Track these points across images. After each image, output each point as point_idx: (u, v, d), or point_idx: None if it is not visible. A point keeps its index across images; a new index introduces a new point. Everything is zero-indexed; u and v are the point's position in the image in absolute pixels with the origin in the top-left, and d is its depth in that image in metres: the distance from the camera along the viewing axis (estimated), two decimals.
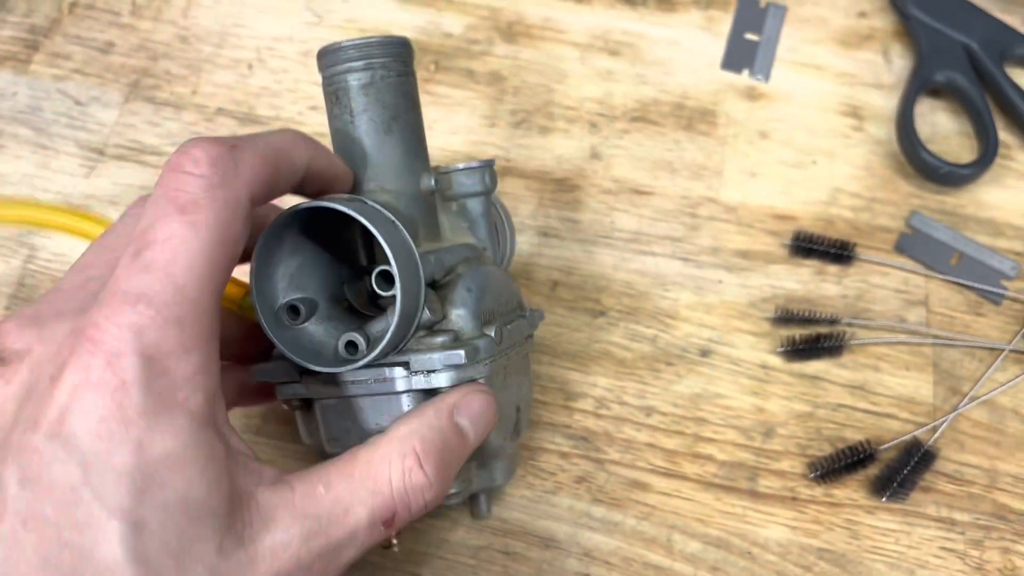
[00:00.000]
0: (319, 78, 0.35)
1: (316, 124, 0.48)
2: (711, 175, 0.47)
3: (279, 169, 0.28)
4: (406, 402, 0.31)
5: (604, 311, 0.44)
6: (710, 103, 0.49)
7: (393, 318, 0.29)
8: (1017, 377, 0.43)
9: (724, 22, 0.52)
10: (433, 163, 0.36)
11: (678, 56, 0.51)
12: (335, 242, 0.33)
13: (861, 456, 0.40)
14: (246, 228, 0.27)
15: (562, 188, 0.47)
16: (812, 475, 0.40)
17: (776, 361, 0.43)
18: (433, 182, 0.34)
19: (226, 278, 0.27)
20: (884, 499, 0.40)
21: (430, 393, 0.31)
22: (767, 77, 0.50)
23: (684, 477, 0.41)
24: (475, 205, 0.37)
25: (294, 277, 0.31)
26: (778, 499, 0.40)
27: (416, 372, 0.31)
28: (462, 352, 0.30)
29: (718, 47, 0.51)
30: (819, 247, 0.45)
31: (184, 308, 0.25)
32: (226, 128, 0.48)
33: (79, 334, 0.24)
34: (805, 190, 0.47)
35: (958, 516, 0.40)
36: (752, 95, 0.50)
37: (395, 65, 0.34)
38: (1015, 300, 0.45)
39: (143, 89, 0.49)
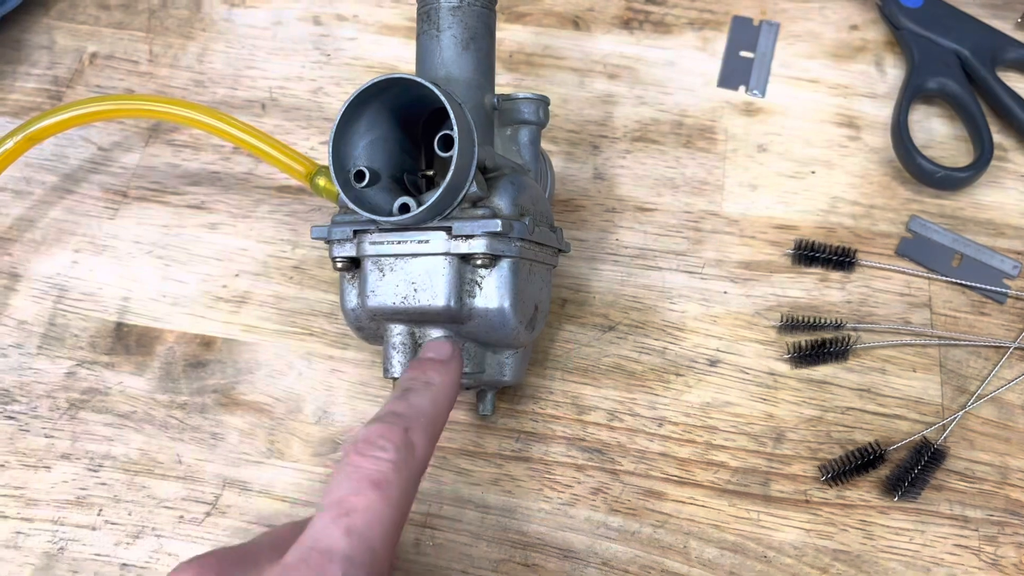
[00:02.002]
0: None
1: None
2: (712, 189, 0.49)
3: (440, 432, 0.33)
4: (443, 263, 0.35)
5: (613, 326, 0.45)
6: (708, 120, 0.51)
7: (446, 177, 0.33)
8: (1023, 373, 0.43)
9: (719, 41, 0.54)
10: None
11: (675, 76, 0.52)
12: (404, 133, 0.38)
13: (871, 457, 0.41)
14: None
15: (568, 208, 0.48)
16: (824, 478, 0.41)
17: (783, 368, 0.44)
18: (496, 101, 0.40)
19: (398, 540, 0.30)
20: (896, 499, 0.41)
21: (466, 258, 0.36)
22: (763, 92, 0.52)
23: (698, 484, 0.41)
24: (526, 133, 0.42)
25: (366, 148, 0.36)
26: (791, 502, 0.41)
27: (456, 236, 0.35)
28: (499, 222, 0.35)
29: (714, 66, 0.53)
30: (821, 255, 0.46)
31: (375, 570, 0.28)
32: (242, 166, 0.50)
33: None
34: (805, 200, 0.48)
35: (971, 513, 0.40)
36: (749, 110, 0.51)
37: None
38: (1018, 298, 0.45)
39: (162, 133, 0.52)
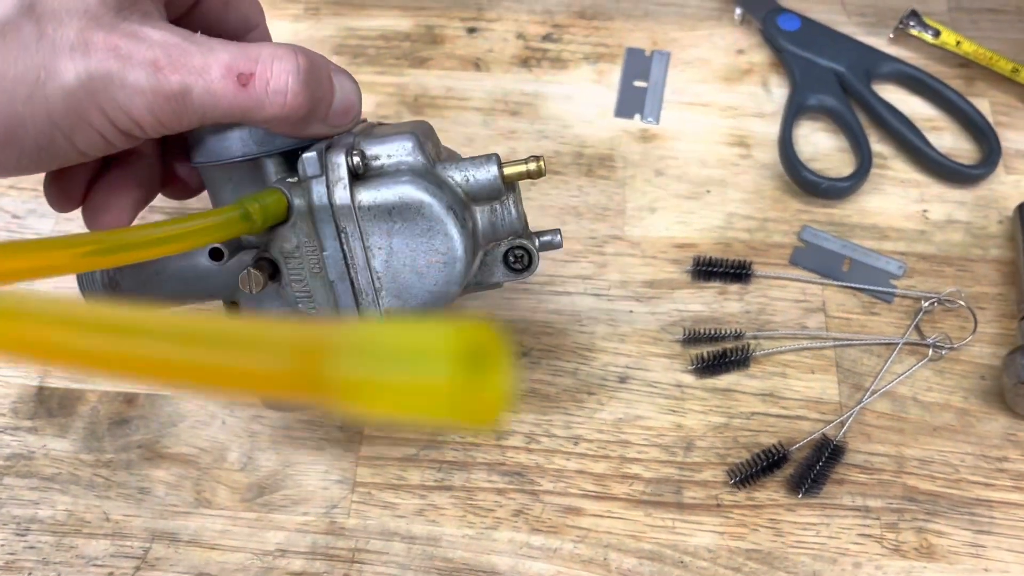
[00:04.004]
0: None
1: None
2: (614, 214, 0.51)
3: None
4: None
5: (527, 352, 0.47)
6: (607, 149, 0.53)
7: None
8: (912, 367, 0.46)
9: (613, 73, 0.56)
10: None
11: (574, 109, 0.55)
12: None
13: (776, 458, 0.43)
14: None
15: None
16: (732, 481, 0.43)
17: (689, 379, 0.46)
18: None
19: None
20: (801, 495, 0.43)
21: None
22: (657, 119, 0.54)
23: (614, 498, 0.43)
24: None
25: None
26: (704, 508, 0.43)
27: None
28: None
29: (610, 97, 0.55)
30: (719, 269, 0.48)
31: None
32: None
33: None
34: (702, 218, 0.51)
35: (872, 503, 0.43)
36: (645, 137, 0.54)
37: None
38: (904, 296, 0.48)
39: None
